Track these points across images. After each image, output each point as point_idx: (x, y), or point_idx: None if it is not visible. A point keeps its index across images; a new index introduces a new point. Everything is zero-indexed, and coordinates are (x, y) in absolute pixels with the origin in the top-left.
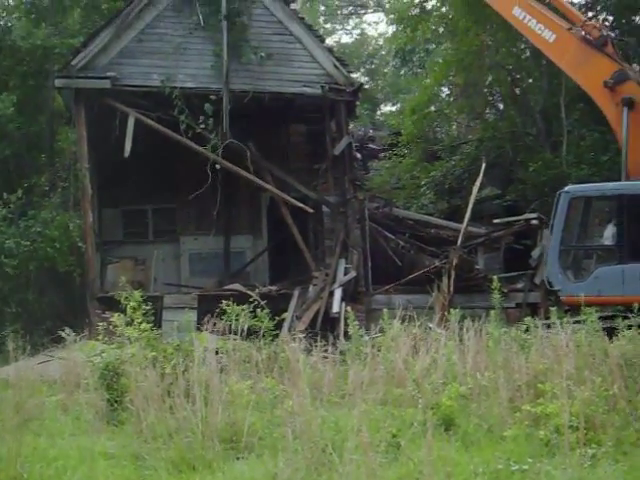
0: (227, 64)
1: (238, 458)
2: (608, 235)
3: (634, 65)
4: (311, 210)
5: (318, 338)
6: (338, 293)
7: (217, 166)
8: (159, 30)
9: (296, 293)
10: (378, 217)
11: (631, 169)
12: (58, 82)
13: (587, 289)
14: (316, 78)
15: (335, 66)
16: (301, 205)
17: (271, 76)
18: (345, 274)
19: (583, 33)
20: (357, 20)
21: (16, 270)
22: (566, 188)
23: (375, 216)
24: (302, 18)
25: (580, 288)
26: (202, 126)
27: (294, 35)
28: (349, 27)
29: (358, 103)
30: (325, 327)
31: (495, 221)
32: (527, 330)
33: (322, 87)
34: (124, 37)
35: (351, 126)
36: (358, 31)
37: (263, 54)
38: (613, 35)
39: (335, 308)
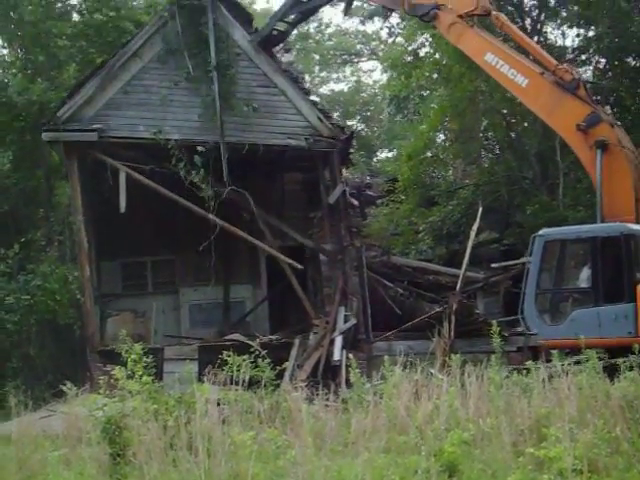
0: (220, 115)
1: None
2: (583, 278)
3: (606, 107)
4: (300, 266)
5: (320, 386)
6: (339, 341)
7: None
8: (145, 82)
9: (297, 342)
10: (376, 266)
11: (606, 212)
12: (45, 136)
13: (564, 332)
14: (301, 130)
15: (319, 118)
16: (290, 261)
17: (257, 128)
18: (345, 322)
19: (555, 77)
20: (352, 68)
21: (17, 325)
22: (540, 232)
23: (373, 265)
24: (286, 71)
25: (557, 331)
26: (195, 179)
27: (279, 87)
28: (345, 74)
29: (352, 150)
30: (326, 375)
31: (493, 265)
32: (528, 373)
33: (306, 139)
34: (109, 89)
35: (346, 173)
36: (354, 78)
37: (256, 105)
38: (585, 78)
39: (336, 356)
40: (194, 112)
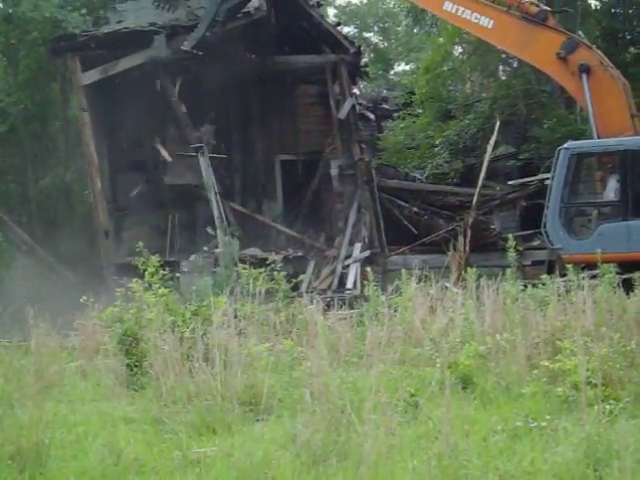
0: None
1: (257, 420)
2: (611, 191)
3: (579, 32)
4: None
5: (335, 299)
6: (353, 270)
7: None
8: None
9: (312, 263)
10: (390, 187)
11: (602, 131)
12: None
13: (590, 246)
14: None
15: None
16: None
17: None
18: (361, 251)
19: (520, 12)
20: None
21: None
22: (566, 144)
23: (387, 186)
24: None
25: (583, 245)
26: None
27: None
28: None
29: (364, 64)
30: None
31: (510, 182)
32: (544, 285)
33: None
34: None
35: (358, 87)
36: None
37: None
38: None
39: (349, 285)
40: None
